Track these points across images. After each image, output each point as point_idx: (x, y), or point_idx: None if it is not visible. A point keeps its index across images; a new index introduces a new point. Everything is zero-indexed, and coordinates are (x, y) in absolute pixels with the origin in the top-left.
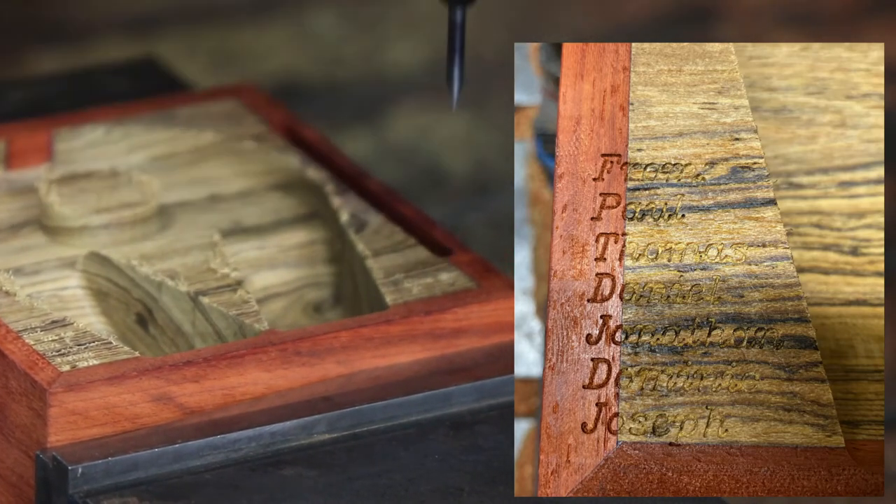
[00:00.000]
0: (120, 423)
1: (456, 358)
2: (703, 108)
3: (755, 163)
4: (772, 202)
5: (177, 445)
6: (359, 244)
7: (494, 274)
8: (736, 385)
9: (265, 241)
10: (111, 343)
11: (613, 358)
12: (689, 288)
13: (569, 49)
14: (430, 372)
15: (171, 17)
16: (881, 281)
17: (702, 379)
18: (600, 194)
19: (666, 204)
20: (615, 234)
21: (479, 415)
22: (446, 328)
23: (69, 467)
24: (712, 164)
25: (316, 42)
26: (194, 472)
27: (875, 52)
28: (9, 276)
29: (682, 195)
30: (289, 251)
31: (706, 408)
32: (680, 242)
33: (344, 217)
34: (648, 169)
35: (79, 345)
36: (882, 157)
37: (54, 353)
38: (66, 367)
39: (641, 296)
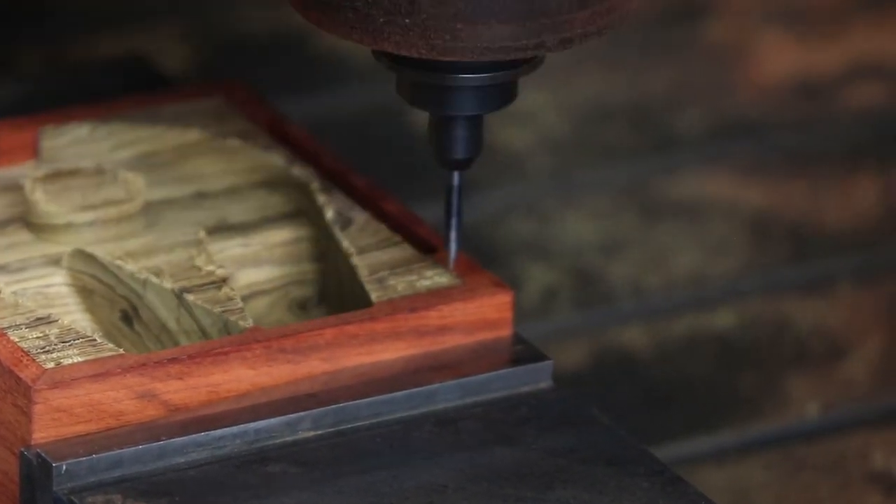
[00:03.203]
0: (104, 420)
1: (441, 355)
2: None
3: None
4: None
5: (161, 442)
6: (344, 241)
7: (479, 271)
8: None
9: (250, 239)
10: (96, 340)
11: None
12: None
13: None
14: (414, 369)
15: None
16: None
17: None
18: None
19: None
20: None
21: (463, 412)
22: (431, 325)
23: (53, 464)
24: None
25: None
26: (178, 469)
27: None
28: None
29: None
30: (274, 248)
31: None
32: None
33: (329, 214)
34: None
35: (63, 342)
36: None
37: (39, 351)
38: (51, 364)
39: None
